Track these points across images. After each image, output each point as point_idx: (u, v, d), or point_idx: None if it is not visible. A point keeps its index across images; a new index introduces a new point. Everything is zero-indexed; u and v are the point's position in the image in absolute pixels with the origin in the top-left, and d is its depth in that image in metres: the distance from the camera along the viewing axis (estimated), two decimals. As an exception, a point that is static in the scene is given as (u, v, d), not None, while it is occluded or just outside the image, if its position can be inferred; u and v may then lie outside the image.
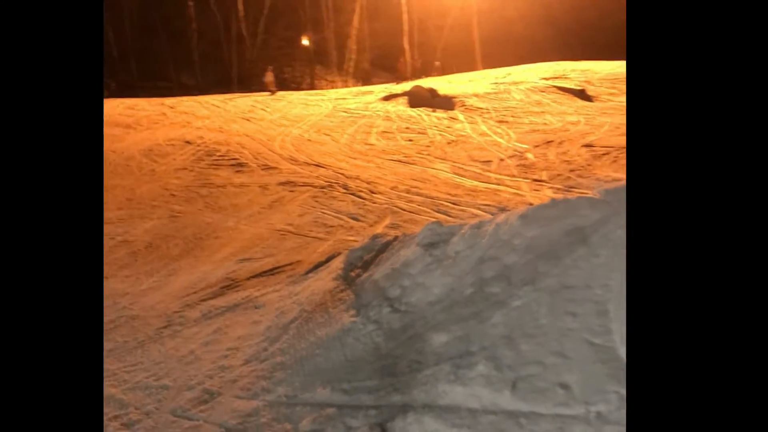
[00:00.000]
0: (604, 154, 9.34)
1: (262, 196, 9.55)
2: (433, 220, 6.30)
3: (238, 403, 3.90)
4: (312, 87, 32.61)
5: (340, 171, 10.59)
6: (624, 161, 8.39)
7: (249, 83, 30.34)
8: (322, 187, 9.58)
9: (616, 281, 3.50)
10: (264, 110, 18.19)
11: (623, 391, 2.98)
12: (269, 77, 23.45)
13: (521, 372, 3.30)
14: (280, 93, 22.64)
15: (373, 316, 4.23)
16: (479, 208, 7.74)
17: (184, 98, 21.73)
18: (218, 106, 19.08)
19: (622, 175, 5.18)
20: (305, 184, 9.86)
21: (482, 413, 3.20)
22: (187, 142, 13.63)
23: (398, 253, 4.81)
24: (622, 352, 3.16)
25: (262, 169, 11.10)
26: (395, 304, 4.26)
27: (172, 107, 19.16)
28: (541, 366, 3.28)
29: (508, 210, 5.58)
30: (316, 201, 8.94)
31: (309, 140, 13.52)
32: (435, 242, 4.60)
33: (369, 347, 3.99)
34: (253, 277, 6.26)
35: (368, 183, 9.57)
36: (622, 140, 10.01)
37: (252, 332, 4.77)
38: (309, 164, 11.23)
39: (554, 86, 14.43)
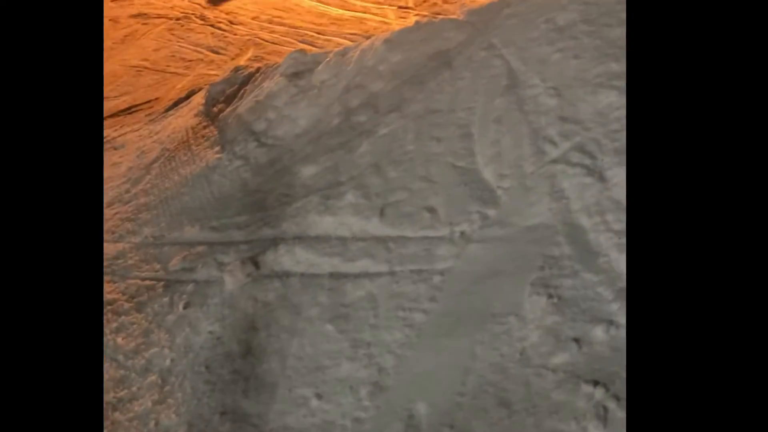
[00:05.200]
0: (469, -21, 9.18)
1: (112, 30, 8.85)
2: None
3: (103, 246, 3.78)
4: None
5: (197, 1, 9.91)
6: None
7: None
8: (178, 19, 8.97)
9: (479, 103, 3.52)
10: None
11: (485, 211, 3.08)
12: None
13: (389, 198, 3.34)
14: None
15: (239, 152, 4.12)
16: (345, 38, 7.53)
17: None
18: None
19: (488, -1, 5.13)
20: (159, 16, 9.19)
21: (352, 240, 3.26)
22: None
23: (262, 85, 4.63)
24: (485, 173, 3.24)
25: (111, 0, 10.23)
26: (261, 138, 4.15)
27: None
28: (408, 191, 3.33)
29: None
30: (173, 34, 8.39)
31: (161, -31, 12.50)
32: (299, 72, 4.45)
33: (236, 183, 3.90)
34: (110, 117, 5.90)
35: (227, 14, 9.04)
36: (488, -36, 9.83)
37: (112, 174, 4.56)
38: (162, -5, 10.44)
39: None
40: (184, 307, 3.29)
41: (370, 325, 2.90)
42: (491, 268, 2.89)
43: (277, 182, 3.77)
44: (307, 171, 3.71)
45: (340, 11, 8.77)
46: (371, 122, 3.79)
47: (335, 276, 3.14)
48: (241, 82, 4.97)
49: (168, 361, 3.12)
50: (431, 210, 3.21)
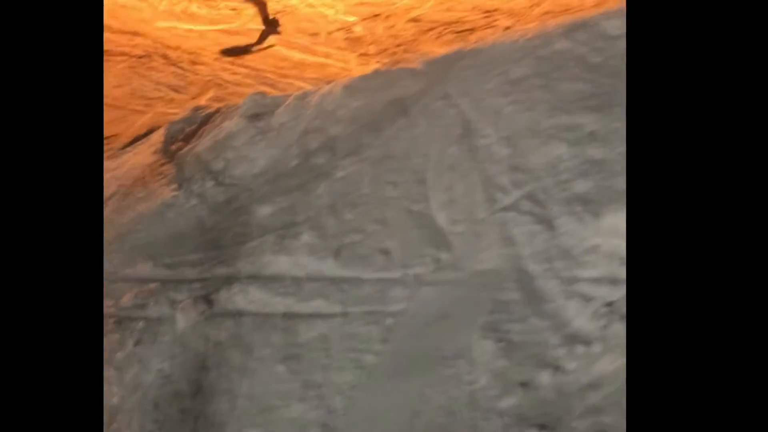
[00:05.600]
0: (429, 30, 9.40)
1: (72, 66, 8.81)
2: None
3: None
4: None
5: (159, 40, 9.94)
6: (448, 36, 8.54)
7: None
8: (140, 57, 8.98)
9: (434, 150, 3.61)
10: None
11: (438, 254, 3.15)
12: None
13: (344, 240, 3.39)
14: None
15: (196, 190, 4.13)
16: (306, 81, 7.62)
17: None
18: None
19: (446, 49, 5.27)
20: (122, 53, 9.19)
21: (306, 281, 3.28)
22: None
23: (221, 125, 4.67)
24: (439, 218, 3.31)
25: (72, 37, 10.20)
26: (219, 177, 4.17)
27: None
28: (363, 233, 3.38)
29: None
30: (134, 71, 8.39)
31: (123, 6, 12.53)
32: (259, 113, 4.50)
33: (192, 221, 3.91)
34: (66, 152, 5.85)
35: (190, 53, 9.08)
36: (447, 16, 10.10)
37: (66, 210, 4.51)
38: (124, 32, 10.45)
39: (382, -42, 14.14)
40: (135, 345, 3.26)
41: (322, 366, 2.91)
42: (442, 310, 2.94)
43: (233, 221, 3.79)
44: (264, 211, 3.73)
45: (303, 56, 8.88)
46: (329, 165, 3.85)
47: (288, 316, 3.15)
48: (200, 122, 5.00)
49: (116, 399, 3.08)
50: (386, 252, 3.26)
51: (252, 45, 9.51)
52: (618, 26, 3.73)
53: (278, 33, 10.17)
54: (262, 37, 10.06)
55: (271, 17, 11.47)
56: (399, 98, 4.08)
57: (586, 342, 2.54)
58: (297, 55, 8.84)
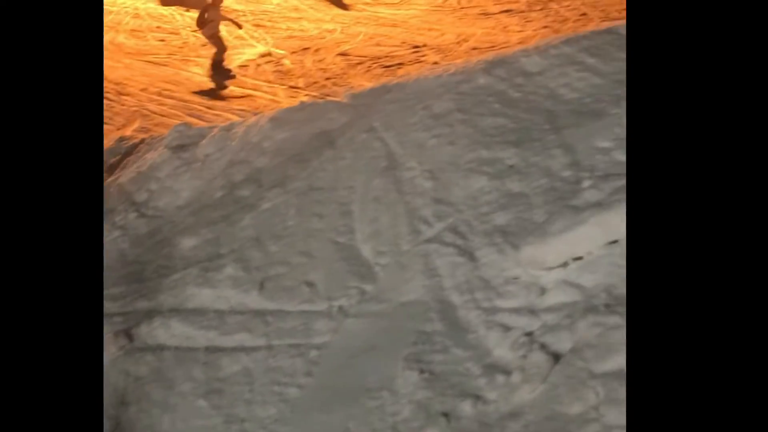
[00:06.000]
0: (358, 64, 9.52)
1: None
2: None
3: None
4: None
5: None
6: (377, 71, 8.66)
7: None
8: (63, 87, 8.78)
9: (360, 183, 3.64)
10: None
11: (363, 286, 3.16)
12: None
13: (269, 272, 3.37)
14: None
15: (118, 222, 4.05)
16: (233, 113, 7.58)
17: None
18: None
19: (374, 83, 5.36)
20: (43, 83, 8.97)
21: (230, 314, 3.25)
22: None
23: (145, 156, 4.61)
24: (364, 250, 3.33)
25: None
26: (142, 209, 4.11)
27: None
28: (288, 266, 3.37)
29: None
30: (56, 101, 8.20)
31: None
32: (184, 144, 4.46)
33: (114, 254, 3.83)
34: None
35: (116, 84, 8.94)
36: (376, 50, 10.24)
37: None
38: (47, 61, 10.20)
39: (311, -8, 14.26)
40: (50, 382, 3.15)
41: (245, 401, 2.87)
42: (367, 342, 2.95)
43: (155, 253, 3.73)
44: (188, 243, 3.69)
45: (231, 87, 8.86)
46: (254, 197, 3.84)
47: (211, 350, 3.11)
48: (124, 152, 4.92)
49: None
50: (310, 284, 3.26)
51: (179, 76, 9.43)
52: (536, 63, 3.87)
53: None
54: (190, 68, 9.99)
55: (201, 48, 11.38)
56: (325, 131, 4.11)
57: (506, 372, 2.57)
58: (226, 87, 8.80)
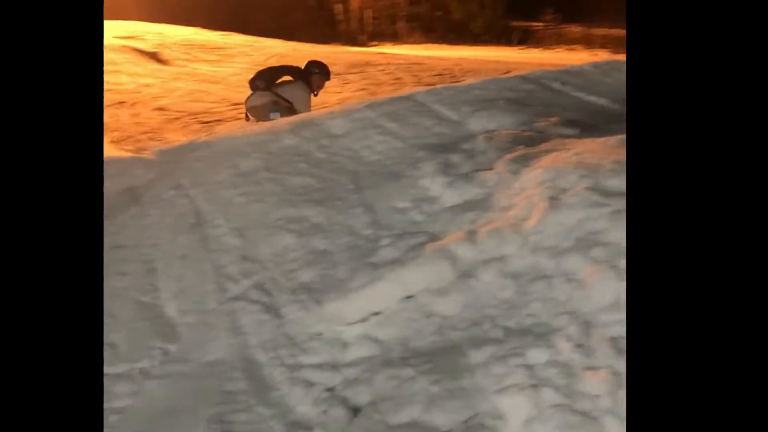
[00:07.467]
0: (176, 119, 9.40)
1: None
2: None
3: None
4: None
5: None
6: (195, 126, 8.61)
7: None
8: None
9: (166, 240, 3.60)
10: None
11: (166, 346, 3.09)
12: None
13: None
14: None
15: None
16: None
17: None
18: None
19: (189, 138, 5.32)
20: None
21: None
22: None
23: None
24: (168, 308, 3.28)
25: None
26: None
27: None
28: (87, 327, 3.23)
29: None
30: None
31: None
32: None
33: None
34: None
35: None
36: (194, 106, 10.19)
37: None
38: None
39: (128, 46, 13.94)
40: None
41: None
42: (170, 405, 2.87)
43: None
44: None
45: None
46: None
47: None
48: None
49: None
50: (112, 346, 3.14)
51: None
52: (341, 125, 4.04)
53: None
54: None
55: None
56: (131, 187, 4.03)
57: (308, 428, 2.61)
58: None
